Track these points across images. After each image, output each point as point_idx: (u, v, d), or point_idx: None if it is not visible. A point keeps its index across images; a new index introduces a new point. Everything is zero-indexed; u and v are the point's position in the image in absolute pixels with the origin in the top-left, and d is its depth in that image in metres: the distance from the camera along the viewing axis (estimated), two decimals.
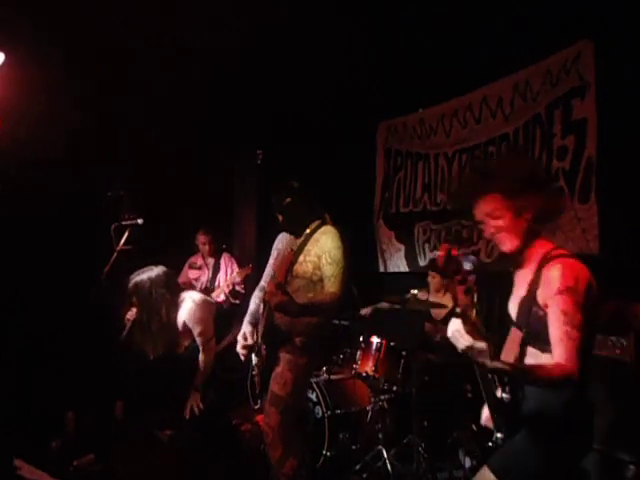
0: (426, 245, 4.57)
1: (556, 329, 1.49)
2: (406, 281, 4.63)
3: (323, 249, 2.30)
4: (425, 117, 4.65)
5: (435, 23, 3.58)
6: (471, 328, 1.47)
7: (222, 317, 3.14)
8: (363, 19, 3.59)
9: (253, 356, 2.42)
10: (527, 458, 1.55)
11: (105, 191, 3.57)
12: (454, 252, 1.46)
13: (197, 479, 2.74)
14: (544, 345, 1.54)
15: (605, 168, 3.23)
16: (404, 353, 3.37)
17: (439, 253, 1.45)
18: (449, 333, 1.50)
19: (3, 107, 3.08)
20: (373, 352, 3.38)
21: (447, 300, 3.69)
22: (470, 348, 1.44)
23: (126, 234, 2.87)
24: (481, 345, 1.43)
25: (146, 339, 2.77)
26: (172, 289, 2.82)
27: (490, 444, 1.65)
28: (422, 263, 4.59)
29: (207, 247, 4.33)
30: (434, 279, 3.88)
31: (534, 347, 1.59)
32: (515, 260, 1.71)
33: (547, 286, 1.54)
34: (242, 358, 2.46)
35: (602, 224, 3.22)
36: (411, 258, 4.70)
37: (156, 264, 2.86)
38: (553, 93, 3.58)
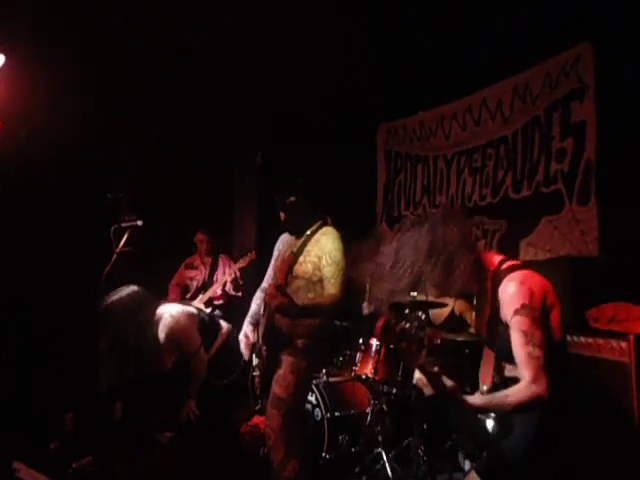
0: None
1: (519, 350, 1.51)
2: None
3: (323, 250, 2.30)
4: (425, 119, 4.66)
5: (435, 25, 3.59)
6: (433, 377, 1.54)
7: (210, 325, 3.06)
8: (363, 20, 3.59)
9: (254, 357, 2.42)
10: (509, 461, 1.57)
11: (105, 193, 3.56)
12: (392, 321, 1.49)
13: None
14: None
15: (604, 170, 3.23)
16: None
17: (378, 325, 1.50)
18: (415, 381, 1.57)
19: (3, 109, 3.07)
20: (372, 354, 3.37)
21: (446, 301, 3.69)
22: (433, 396, 1.52)
23: (126, 236, 2.87)
24: (450, 385, 1.51)
25: (107, 368, 2.68)
26: (145, 307, 2.68)
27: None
28: None
29: (205, 245, 4.39)
30: None
31: (508, 363, 1.62)
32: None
33: (505, 306, 1.56)
34: (246, 358, 2.46)
35: (601, 226, 3.22)
36: None
37: (127, 285, 2.74)
38: (552, 96, 3.58)
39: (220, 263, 4.41)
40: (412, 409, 3.25)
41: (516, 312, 1.51)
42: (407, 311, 1.47)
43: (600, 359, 2.43)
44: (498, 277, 1.60)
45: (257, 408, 2.51)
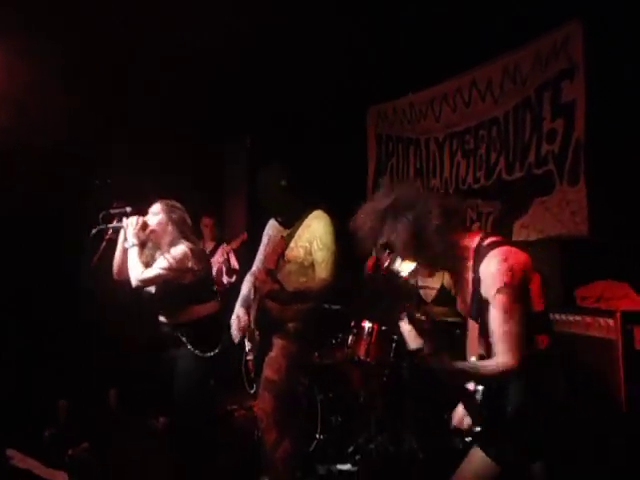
0: None
1: (498, 327, 1.55)
2: None
3: (314, 234, 2.30)
4: (414, 101, 4.62)
5: (423, 5, 3.54)
6: (420, 330, 1.59)
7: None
8: (351, 1, 3.54)
9: (246, 341, 2.43)
10: (511, 433, 1.62)
11: (93, 179, 3.53)
12: (381, 264, 1.50)
13: (192, 466, 2.75)
14: None
15: (593, 150, 3.24)
16: (395, 337, 3.40)
17: (368, 263, 1.49)
18: (403, 331, 1.60)
19: None
20: (365, 337, 3.39)
21: (435, 281, 3.72)
22: (418, 350, 1.59)
23: (115, 222, 2.84)
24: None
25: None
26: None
27: (469, 440, 1.76)
28: None
29: (208, 230, 4.48)
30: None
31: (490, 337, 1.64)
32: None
33: (486, 283, 1.59)
34: (235, 340, 2.46)
35: (591, 206, 3.24)
36: None
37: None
38: (543, 76, 3.56)
39: (219, 250, 4.42)
40: (404, 389, 3.29)
41: (498, 291, 1.55)
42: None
43: (588, 337, 2.47)
44: (479, 254, 1.63)
45: (252, 391, 2.53)
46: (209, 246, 4.46)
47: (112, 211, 2.77)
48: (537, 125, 3.61)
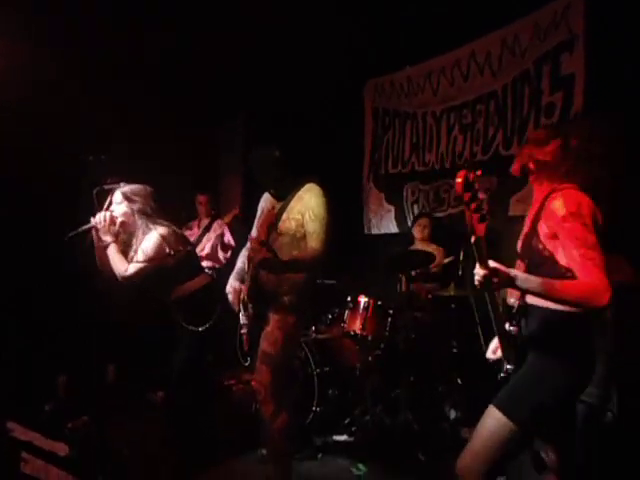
0: (414, 206, 4.57)
1: (572, 255, 1.53)
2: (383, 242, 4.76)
3: (307, 206, 2.29)
4: (412, 74, 4.56)
5: None
6: (484, 257, 1.49)
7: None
8: None
9: (241, 315, 2.44)
10: (529, 392, 1.61)
11: (86, 155, 3.50)
12: (471, 177, 1.42)
13: (190, 439, 2.79)
14: (545, 276, 1.57)
15: None
16: (391, 311, 3.43)
17: (457, 180, 1.43)
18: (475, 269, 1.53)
19: None
20: (361, 311, 3.43)
21: (432, 249, 3.74)
22: (491, 273, 1.48)
23: (109, 198, 2.81)
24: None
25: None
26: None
27: (501, 375, 1.71)
28: (410, 224, 4.61)
29: (202, 208, 4.46)
30: (424, 228, 3.96)
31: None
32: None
33: (551, 218, 1.59)
34: (236, 308, 2.47)
35: None
36: (401, 219, 4.70)
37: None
38: (542, 47, 3.51)
39: (214, 226, 4.42)
40: (399, 362, 3.33)
41: (564, 219, 1.54)
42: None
43: None
44: (549, 195, 1.65)
45: (246, 364, 2.55)
46: (204, 223, 4.47)
47: (106, 186, 2.75)
48: (535, 99, 3.57)
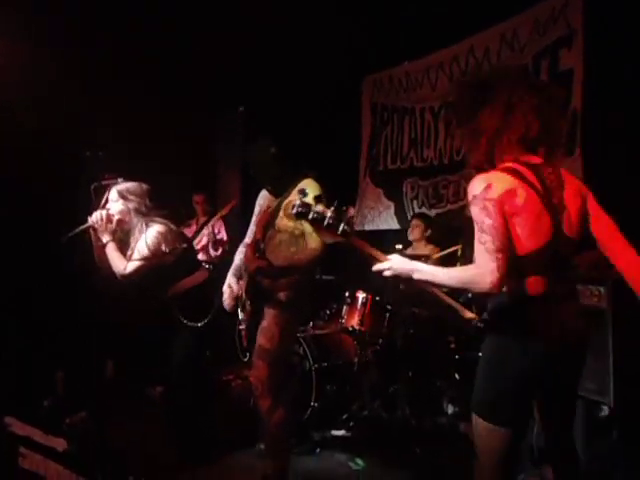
0: (414, 202, 4.57)
1: (474, 239, 1.52)
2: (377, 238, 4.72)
3: None
4: (410, 70, 4.55)
5: None
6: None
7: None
8: None
9: (239, 311, 2.44)
10: (485, 385, 1.59)
11: (84, 150, 3.50)
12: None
13: (189, 434, 2.80)
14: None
15: (590, 119, 3.20)
16: (389, 307, 3.43)
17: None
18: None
19: None
20: (359, 307, 3.43)
21: (429, 250, 3.74)
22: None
23: (106, 194, 2.81)
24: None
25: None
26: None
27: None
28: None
29: (199, 207, 4.49)
30: (415, 228, 3.94)
31: None
32: None
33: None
34: (228, 309, 2.48)
35: (586, 176, 3.22)
36: (401, 215, 4.70)
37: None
38: (541, 42, 3.51)
39: (211, 222, 4.42)
40: (397, 357, 3.34)
41: (470, 203, 1.54)
42: None
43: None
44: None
45: (245, 360, 2.55)
46: (202, 220, 4.46)
47: (104, 182, 2.74)
48: None
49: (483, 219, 1.49)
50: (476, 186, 1.53)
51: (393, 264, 1.58)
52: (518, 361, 1.53)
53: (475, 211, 1.52)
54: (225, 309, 2.54)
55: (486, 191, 1.51)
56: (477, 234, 1.51)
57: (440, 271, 1.56)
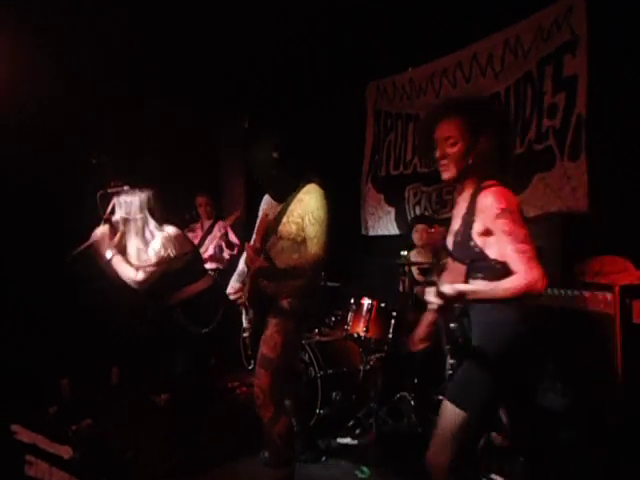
0: (417, 207, 4.57)
1: (507, 250, 1.59)
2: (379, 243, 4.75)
3: (306, 209, 2.25)
4: (414, 76, 4.55)
5: None
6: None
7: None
8: None
9: (243, 318, 2.43)
10: (477, 381, 1.65)
11: (90, 158, 3.51)
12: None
13: (194, 441, 2.79)
14: (489, 276, 1.64)
15: (595, 125, 3.20)
16: (394, 314, 3.42)
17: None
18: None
19: None
20: (364, 313, 3.42)
21: (426, 257, 3.73)
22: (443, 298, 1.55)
23: (113, 201, 2.82)
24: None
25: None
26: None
27: (448, 371, 1.78)
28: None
29: (205, 209, 4.46)
30: (416, 235, 3.93)
31: (482, 279, 1.68)
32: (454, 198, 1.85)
33: (484, 214, 1.64)
34: (242, 305, 2.45)
35: (591, 182, 3.21)
36: (401, 220, 4.70)
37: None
38: (544, 49, 3.50)
39: (216, 228, 4.43)
40: (402, 364, 3.31)
41: (497, 216, 1.60)
42: None
43: (586, 311, 2.47)
44: (477, 192, 1.69)
45: (250, 368, 2.54)
46: (207, 224, 4.46)
47: (110, 190, 2.75)
48: (538, 100, 3.56)
49: (518, 230, 1.58)
50: (500, 200, 1.61)
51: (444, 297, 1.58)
52: (509, 365, 1.64)
53: (506, 223, 1.59)
54: (231, 313, 2.54)
55: (511, 204, 1.61)
56: (512, 245, 1.57)
57: (491, 289, 1.60)
